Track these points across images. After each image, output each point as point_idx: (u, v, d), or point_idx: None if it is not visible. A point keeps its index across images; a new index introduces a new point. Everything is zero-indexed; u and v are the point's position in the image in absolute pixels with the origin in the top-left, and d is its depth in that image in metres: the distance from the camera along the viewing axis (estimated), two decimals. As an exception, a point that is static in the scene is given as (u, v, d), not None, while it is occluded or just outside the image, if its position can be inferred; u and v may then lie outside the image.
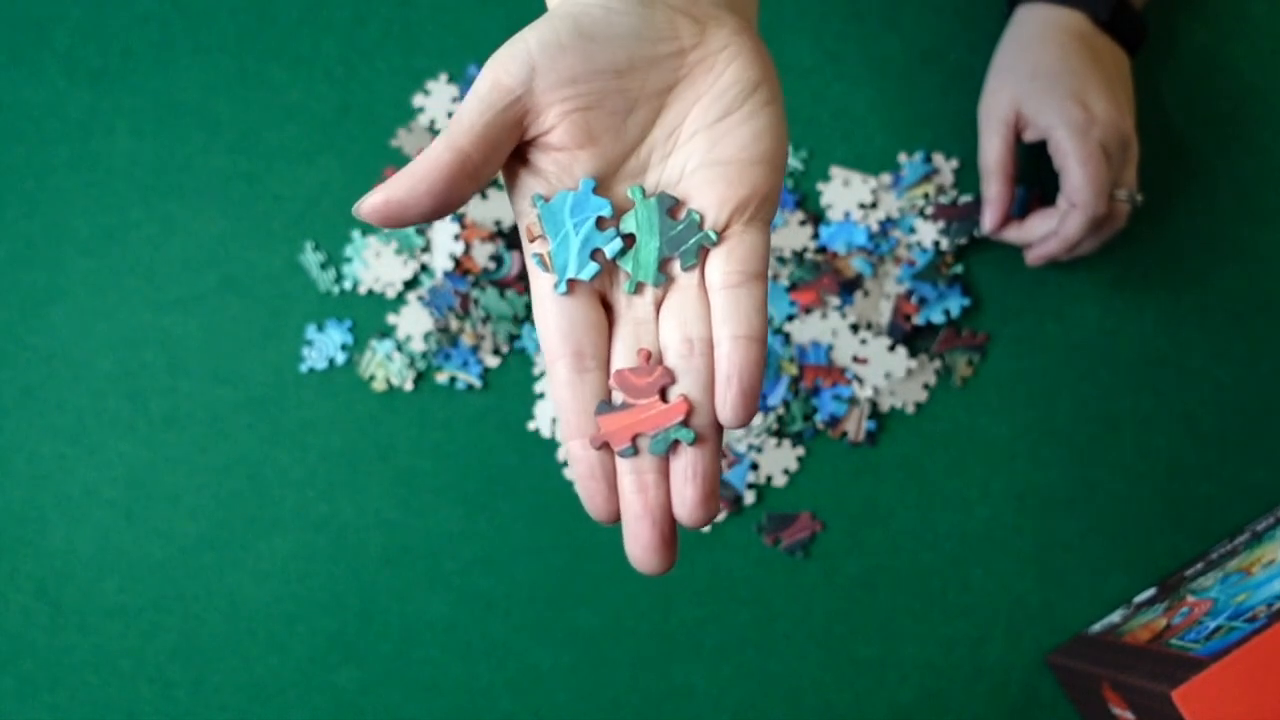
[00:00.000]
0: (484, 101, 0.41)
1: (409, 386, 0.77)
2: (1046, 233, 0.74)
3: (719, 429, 0.42)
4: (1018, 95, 0.73)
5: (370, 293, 0.78)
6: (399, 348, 0.78)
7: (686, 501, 0.41)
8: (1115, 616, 0.76)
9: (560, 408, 0.42)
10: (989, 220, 0.75)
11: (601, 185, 0.42)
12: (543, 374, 0.77)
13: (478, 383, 0.77)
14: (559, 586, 0.77)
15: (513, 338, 0.78)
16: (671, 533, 0.42)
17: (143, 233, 0.79)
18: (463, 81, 0.80)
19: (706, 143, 0.43)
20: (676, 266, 0.42)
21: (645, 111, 0.43)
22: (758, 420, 0.77)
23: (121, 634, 0.76)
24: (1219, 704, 0.60)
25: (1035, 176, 0.78)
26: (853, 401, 0.77)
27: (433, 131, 0.79)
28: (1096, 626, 0.76)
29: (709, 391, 0.42)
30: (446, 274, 0.78)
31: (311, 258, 0.78)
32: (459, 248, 0.78)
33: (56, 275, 0.78)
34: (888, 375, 0.77)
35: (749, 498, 0.77)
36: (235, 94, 0.80)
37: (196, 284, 0.78)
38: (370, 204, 0.41)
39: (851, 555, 0.77)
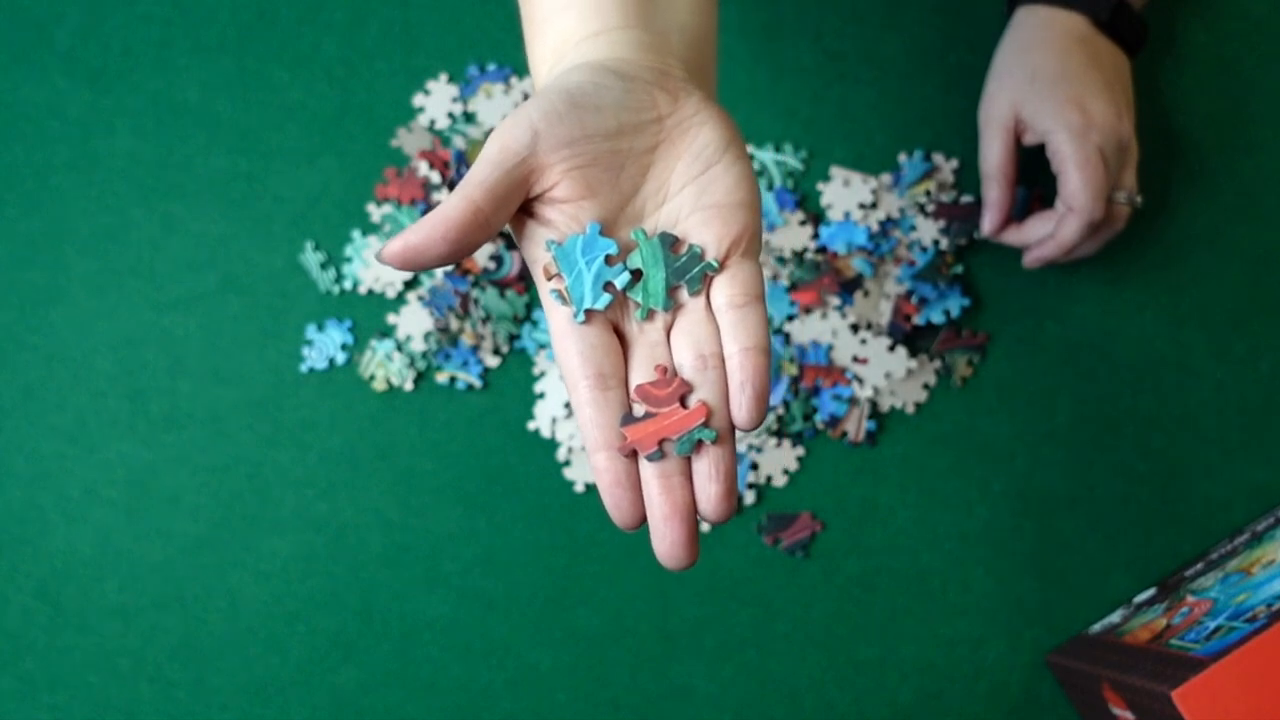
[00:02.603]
0: (493, 163, 0.46)
1: (409, 386, 0.77)
2: (1044, 235, 0.74)
3: (734, 432, 0.46)
4: (1017, 99, 0.73)
5: (370, 293, 0.78)
6: (399, 348, 0.78)
7: (712, 498, 0.46)
8: (1115, 617, 0.76)
9: (585, 425, 0.46)
10: (988, 224, 0.75)
11: (605, 230, 0.47)
12: (543, 374, 0.77)
13: (478, 383, 0.77)
14: (559, 586, 0.77)
15: (513, 338, 0.78)
16: (696, 529, 0.46)
17: (143, 232, 0.79)
18: (462, 81, 0.80)
19: (695, 191, 0.48)
20: (684, 293, 0.47)
21: (635, 169, 0.48)
22: (758, 420, 0.77)
23: (121, 634, 0.76)
24: (1219, 704, 0.60)
25: (1036, 177, 0.78)
26: (853, 401, 0.77)
27: (433, 131, 0.79)
28: (1096, 627, 0.76)
29: (724, 398, 0.46)
30: (446, 274, 0.78)
31: (311, 257, 0.78)
32: (459, 248, 0.78)
33: (57, 275, 0.78)
34: (888, 375, 0.77)
35: (749, 498, 0.77)
36: (235, 94, 0.80)
37: (197, 284, 0.78)
38: (391, 250, 0.45)
39: (851, 555, 0.77)
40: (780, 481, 0.77)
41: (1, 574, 0.76)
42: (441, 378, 0.77)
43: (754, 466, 0.77)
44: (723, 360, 0.47)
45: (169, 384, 0.77)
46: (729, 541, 0.77)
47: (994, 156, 0.74)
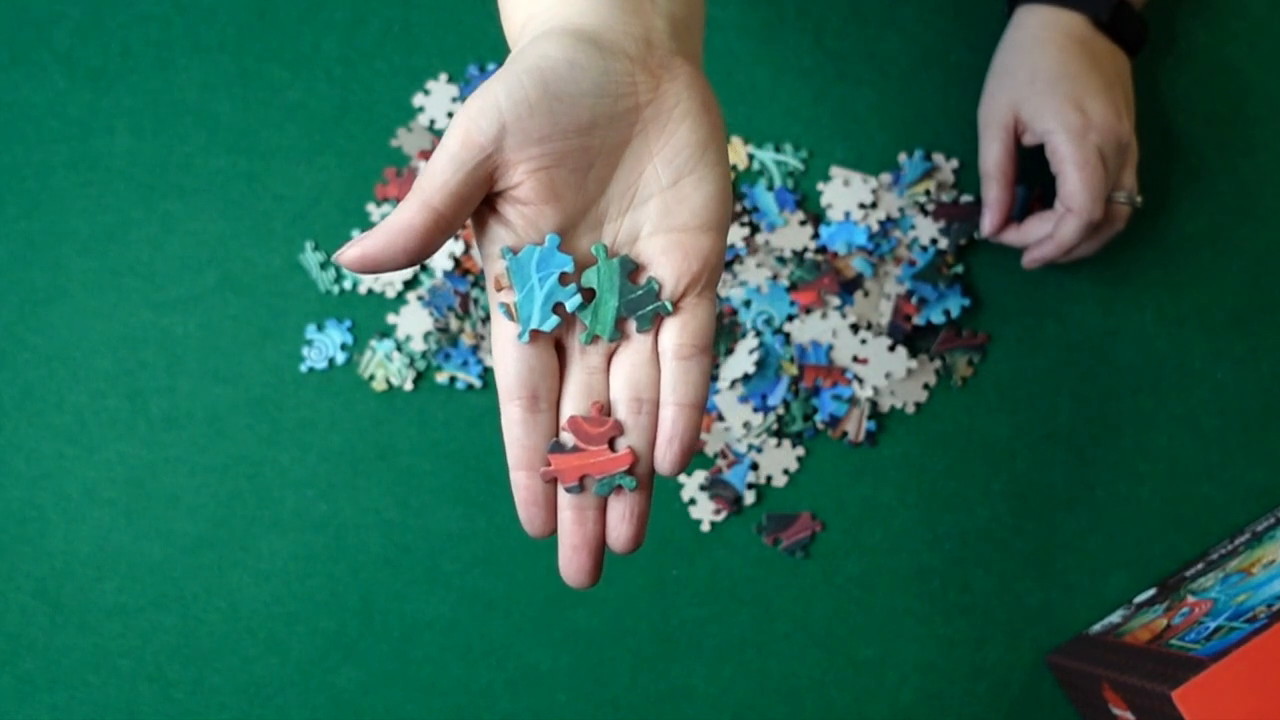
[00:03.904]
0: (456, 160, 0.43)
1: (409, 386, 0.77)
2: (1043, 235, 0.74)
3: (652, 477, 0.47)
4: (1016, 99, 0.73)
5: (370, 292, 0.78)
6: (399, 347, 0.78)
7: (622, 537, 0.47)
8: (1115, 617, 0.76)
9: (511, 442, 0.46)
10: (988, 224, 0.75)
11: (564, 239, 0.46)
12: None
13: (478, 383, 0.77)
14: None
15: (513, 338, 0.78)
16: (601, 557, 0.48)
17: (142, 232, 0.79)
18: (463, 81, 0.80)
19: (661, 207, 0.46)
20: (632, 327, 0.47)
21: (602, 168, 0.46)
22: (758, 420, 0.77)
23: (121, 634, 0.76)
24: (1219, 704, 0.60)
25: (1037, 176, 0.78)
26: (853, 401, 0.77)
27: (433, 131, 0.79)
28: (1097, 627, 0.76)
29: (651, 446, 0.47)
30: (446, 274, 0.78)
31: (311, 257, 0.78)
32: (459, 247, 0.78)
33: (56, 275, 0.78)
34: (888, 375, 0.77)
35: (749, 498, 0.77)
36: (235, 93, 0.80)
37: (196, 283, 0.78)
38: (348, 256, 0.44)
39: (851, 555, 0.77)
40: (780, 481, 0.77)
41: (1, 574, 0.76)
42: (441, 378, 0.77)
43: (754, 466, 0.77)
44: (657, 408, 0.47)
45: (168, 384, 0.77)
46: (729, 541, 0.77)
47: (993, 156, 0.74)
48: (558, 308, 0.46)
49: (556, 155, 0.44)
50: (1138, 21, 0.75)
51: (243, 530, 0.77)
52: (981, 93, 0.76)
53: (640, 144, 0.46)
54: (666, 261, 0.46)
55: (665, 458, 0.46)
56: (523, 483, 0.46)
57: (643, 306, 0.46)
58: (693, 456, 0.46)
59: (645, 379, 0.47)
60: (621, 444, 0.46)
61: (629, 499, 0.46)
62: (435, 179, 0.44)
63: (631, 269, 0.46)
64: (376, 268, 0.44)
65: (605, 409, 0.47)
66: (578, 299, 0.46)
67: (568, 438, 0.46)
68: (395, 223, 0.44)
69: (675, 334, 0.46)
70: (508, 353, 0.46)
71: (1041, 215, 0.74)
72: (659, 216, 0.46)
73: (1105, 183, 0.71)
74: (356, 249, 0.44)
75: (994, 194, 0.74)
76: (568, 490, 0.46)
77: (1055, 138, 0.71)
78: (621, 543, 0.47)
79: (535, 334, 0.46)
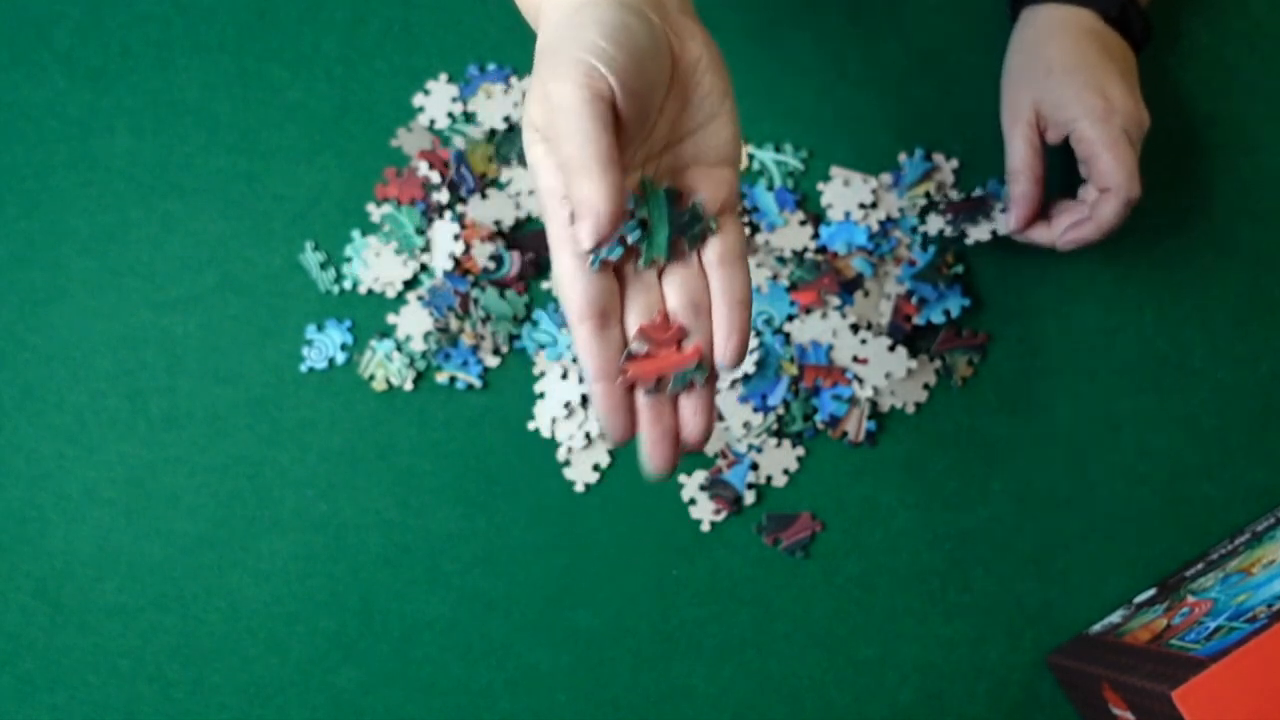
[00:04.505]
0: (602, 122, 0.47)
1: (409, 386, 0.77)
2: (1078, 219, 0.73)
3: (716, 374, 0.53)
4: (1035, 95, 0.72)
5: (370, 292, 0.78)
6: (399, 347, 0.78)
7: (696, 430, 0.53)
8: (1115, 617, 0.76)
9: (588, 358, 0.51)
10: (1014, 220, 0.74)
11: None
12: (543, 374, 0.77)
13: (478, 383, 0.77)
14: (559, 586, 0.77)
15: (513, 338, 0.78)
16: (679, 450, 0.54)
17: (142, 232, 0.79)
18: (462, 81, 0.80)
19: (693, 146, 0.53)
20: (684, 245, 0.53)
21: (655, 115, 0.52)
22: (758, 420, 0.77)
23: (121, 634, 0.76)
24: (1219, 704, 0.60)
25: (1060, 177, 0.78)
26: (853, 401, 0.77)
27: (433, 131, 0.79)
28: (1097, 627, 0.76)
29: (710, 344, 0.53)
30: (446, 274, 0.78)
31: (311, 257, 0.78)
32: (459, 248, 0.78)
33: (56, 275, 0.78)
34: (888, 375, 0.77)
35: (749, 498, 0.77)
36: (235, 93, 0.80)
37: (196, 283, 0.78)
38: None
39: (851, 555, 0.77)
40: (780, 481, 0.77)
41: (1, 574, 0.76)
42: (441, 378, 0.77)
43: (754, 466, 0.77)
44: (709, 311, 0.53)
45: (168, 384, 0.77)
46: (729, 541, 0.77)
47: (1019, 153, 0.74)
48: (621, 239, 0.51)
49: (635, 110, 0.49)
50: (1144, 18, 0.75)
51: (243, 530, 0.77)
52: (1000, 96, 0.76)
53: (676, 95, 0.52)
54: (703, 190, 0.53)
55: (726, 350, 0.52)
56: (603, 392, 0.51)
57: (692, 227, 0.52)
58: (746, 351, 0.53)
59: (697, 287, 0.53)
60: (688, 343, 0.52)
61: (698, 394, 0.52)
62: (598, 150, 0.47)
63: (676, 195, 0.52)
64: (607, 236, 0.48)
65: (668, 317, 0.53)
66: (638, 231, 0.52)
67: (638, 346, 0.52)
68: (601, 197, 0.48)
69: (716, 245, 0.53)
70: (576, 279, 0.50)
71: (1068, 208, 0.74)
72: (692, 154, 0.53)
73: (1136, 161, 0.71)
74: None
75: (1020, 189, 0.74)
76: (646, 393, 0.52)
77: (1080, 124, 0.71)
78: (696, 434, 0.53)
79: (605, 262, 0.51)
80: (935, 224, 0.78)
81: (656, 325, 0.52)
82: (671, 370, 0.52)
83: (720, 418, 0.77)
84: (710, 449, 0.77)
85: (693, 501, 0.77)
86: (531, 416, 0.77)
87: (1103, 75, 0.71)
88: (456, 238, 0.78)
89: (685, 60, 0.51)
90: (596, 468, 0.77)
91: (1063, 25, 0.73)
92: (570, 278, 0.50)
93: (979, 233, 0.77)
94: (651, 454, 0.53)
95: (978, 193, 0.79)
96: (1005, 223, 0.75)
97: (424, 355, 0.78)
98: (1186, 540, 0.78)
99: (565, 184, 0.48)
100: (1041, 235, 0.75)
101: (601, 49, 0.48)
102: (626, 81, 0.48)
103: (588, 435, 0.77)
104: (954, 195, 0.79)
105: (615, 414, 0.52)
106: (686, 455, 0.74)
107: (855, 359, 0.77)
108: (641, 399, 0.52)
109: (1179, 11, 0.82)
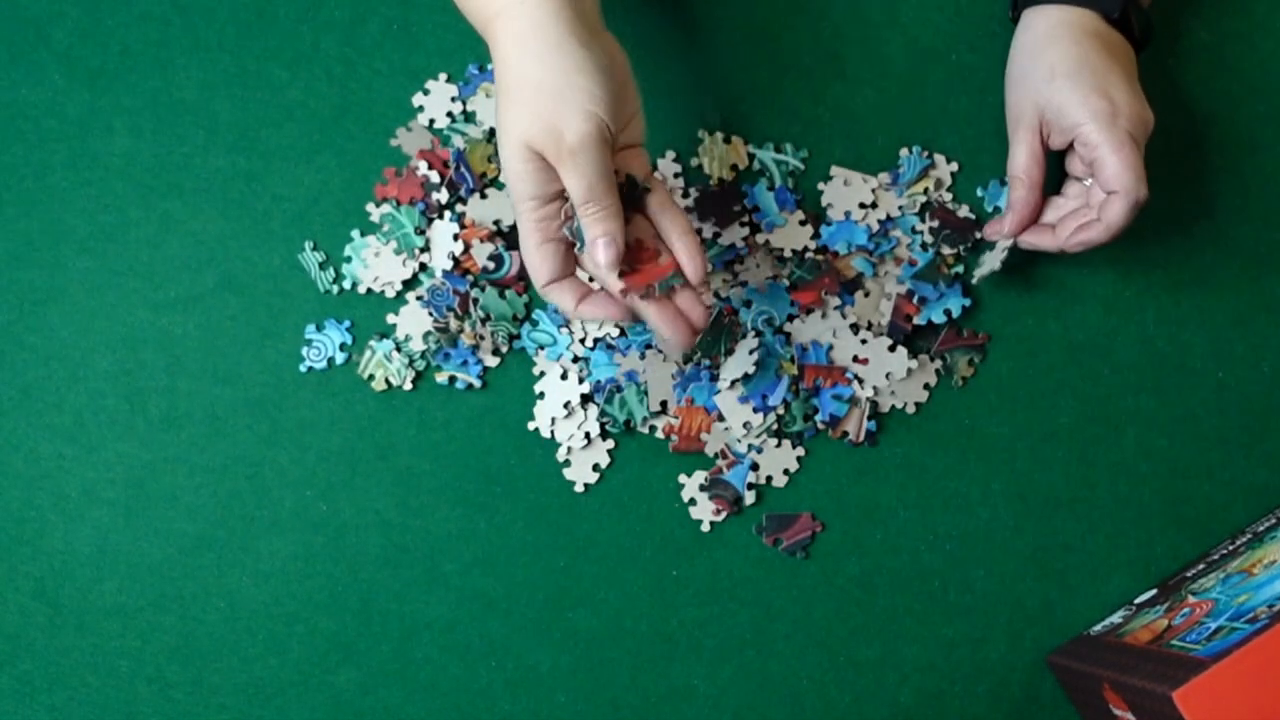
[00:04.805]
0: (605, 171, 0.63)
1: (408, 386, 0.77)
2: (1085, 222, 0.73)
3: (691, 285, 0.68)
4: (1039, 100, 0.72)
5: (369, 292, 0.78)
6: (398, 347, 0.77)
7: (697, 313, 0.68)
8: (1116, 617, 0.75)
9: (601, 276, 0.66)
10: (1009, 224, 0.74)
11: None
12: (542, 374, 0.77)
13: (477, 383, 0.77)
14: (559, 586, 0.77)
15: (512, 338, 0.77)
16: (690, 329, 0.68)
17: (141, 232, 0.78)
18: (462, 81, 0.80)
19: (624, 137, 0.66)
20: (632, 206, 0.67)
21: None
22: (758, 420, 0.76)
23: (120, 634, 0.76)
24: (1220, 705, 0.60)
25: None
26: (853, 401, 0.77)
27: (432, 131, 0.79)
28: (1097, 627, 0.76)
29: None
30: (446, 274, 0.78)
31: (310, 257, 0.78)
32: (458, 247, 0.78)
33: (55, 274, 0.78)
34: (888, 375, 0.77)
35: (749, 498, 0.77)
36: (234, 93, 0.80)
37: (195, 283, 0.78)
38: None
39: (851, 556, 0.77)
40: (780, 482, 0.77)
41: (0, 574, 0.76)
42: (441, 378, 0.77)
43: (754, 467, 0.77)
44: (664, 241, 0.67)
45: (168, 384, 0.77)
46: (729, 542, 0.77)
47: (1019, 159, 0.74)
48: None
49: (617, 134, 0.63)
50: (1145, 19, 0.75)
51: (242, 530, 0.76)
52: (1004, 101, 0.75)
53: (624, 93, 0.64)
54: (633, 167, 0.67)
55: (692, 270, 0.66)
56: (618, 286, 0.66)
57: (634, 193, 0.66)
58: (707, 268, 0.67)
59: (650, 231, 0.67)
60: (662, 260, 0.67)
61: (685, 292, 0.68)
62: (610, 202, 0.63)
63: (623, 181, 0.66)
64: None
65: (641, 244, 0.67)
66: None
67: (626, 267, 0.66)
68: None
69: (654, 201, 0.67)
70: (546, 260, 0.66)
71: (1074, 212, 0.74)
72: (622, 142, 0.66)
73: (1142, 162, 0.71)
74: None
75: (1017, 194, 0.74)
76: (642, 297, 0.66)
77: (1086, 128, 0.70)
78: (697, 316, 0.68)
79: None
80: (927, 229, 0.78)
81: (636, 249, 0.67)
82: (657, 279, 0.66)
83: (720, 418, 0.77)
84: (710, 449, 0.77)
85: (693, 501, 0.77)
86: (531, 416, 0.77)
87: (1106, 77, 0.71)
88: (456, 237, 0.78)
89: (620, 66, 0.64)
90: (596, 468, 0.77)
91: (1064, 28, 0.73)
92: (539, 259, 0.66)
93: (991, 262, 0.77)
94: (670, 332, 0.67)
95: (965, 212, 0.79)
96: (1002, 228, 0.75)
97: (423, 355, 0.77)
98: (1187, 540, 0.78)
99: (581, 203, 0.62)
100: (1046, 240, 0.74)
101: (599, 97, 0.61)
102: (617, 118, 0.62)
103: (587, 435, 0.77)
104: (948, 198, 0.79)
105: (625, 314, 0.67)
106: (686, 455, 0.75)
107: (855, 359, 0.77)
108: (640, 303, 0.67)
109: (1179, 11, 0.82)
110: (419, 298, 0.78)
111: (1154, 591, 0.76)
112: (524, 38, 0.62)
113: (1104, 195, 0.71)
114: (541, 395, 0.77)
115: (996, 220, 0.76)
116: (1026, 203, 0.74)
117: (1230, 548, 0.75)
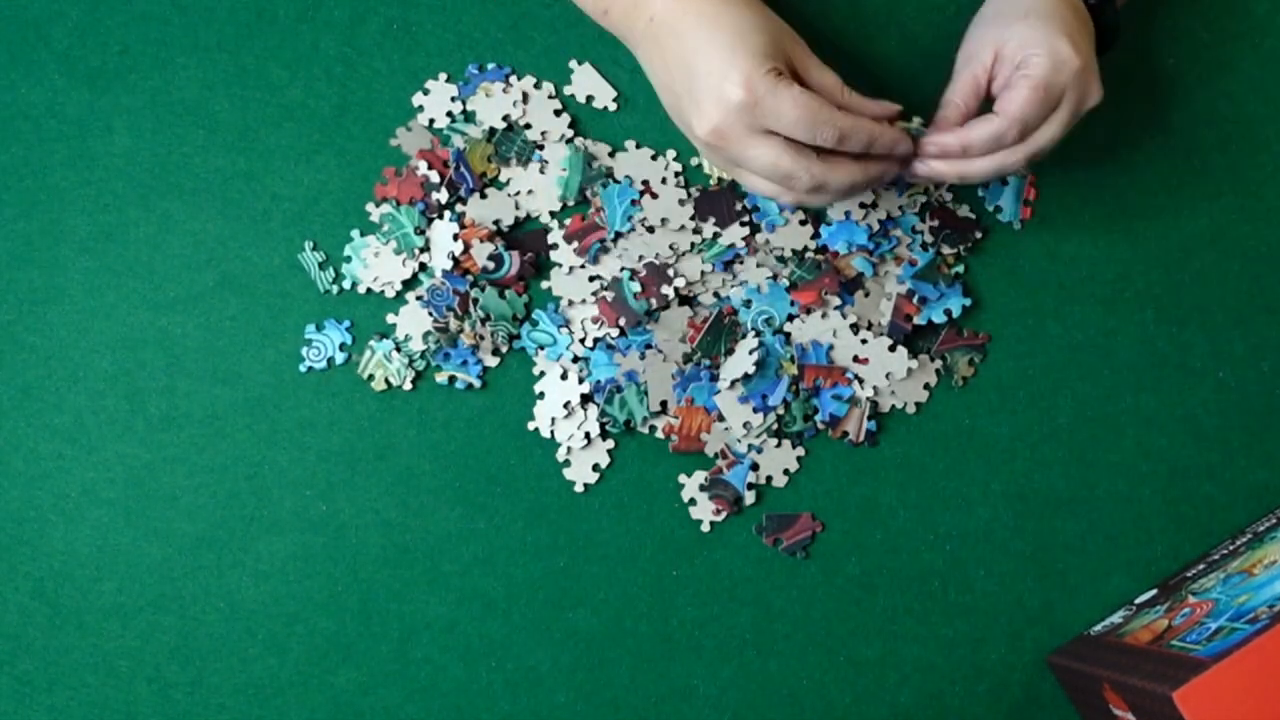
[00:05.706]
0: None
1: (408, 386, 0.77)
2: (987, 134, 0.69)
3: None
4: (1003, 36, 0.69)
5: (369, 292, 0.78)
6: (398, 347, 0.77)
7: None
8: (1116, 617, 0.75)
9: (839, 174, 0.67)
10: (927, 142, 0.70)
11: None
12: (542, 374, 0.77)
13: (477, 383, 0.77)
14: (559, 586, 0.77)
15: (512, 338, 0.77)
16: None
17: (141, 232, 0.78)
18: (462, 80, 0.80)
19: None
20: None
21: None
22: (758, 420, 0.76)
23: (120, 634, 0.76)
24: (1220, 705, 0.60)
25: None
26: (853, 401, 0.77)
27: (432, 131, 0.79)
28: (1097, 627, 0.76)
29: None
30: (446, 274, 0.78)
31: (310, 257, 0.78)
32: (458, 247, 0.78)
33: (55, 274, 0.78)
34: (888, 375, 0.77)
35: (749, 498, 0.77)
36: (234, 93, 0.80)
37: (195, 283, 0.78)
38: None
39: (851, 556, 0.77)
40: (780, 481, 0.77)
41: (0, 574, 0.76)
42: (441, 378, 0.77)
43: (754, 467, 0.77)
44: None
45: (167, 384, 0.77)
46: (729, 541, 0.77)
47: (959, 86, 0.71)
48: None
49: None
50: (1115, 19, 0.74)
51: (242, 530, 0.76)
52: (963, 36, 0.73)
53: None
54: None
55: (881, 110, 0.70)
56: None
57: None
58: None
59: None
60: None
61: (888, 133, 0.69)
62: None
63: None
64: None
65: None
66: None
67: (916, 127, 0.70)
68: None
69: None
70: (849, 171, 0.68)
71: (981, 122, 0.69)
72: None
73: (1040, 116, 0.68)
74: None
75: (944, 113, 0.71)
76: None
77: (1035, 59, 0.67)
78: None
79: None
80: (927, 228, 0.78)
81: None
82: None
83: (720, 418, 0.77)
84: (710, 449, 0.77)
85: (693, 501, 0.77)
86: (531, 416, 0.77)
87: (1078, 31, 0.69)
88: (456, 237, 0.78)
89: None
90: (596, 468, 0.77)
91: None
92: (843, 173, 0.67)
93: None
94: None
95: (965, 211, 0.79)
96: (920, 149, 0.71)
97: (423, 355, 0.77)
98: (1187, 540, 0.78)
99: (842, 89, 0.69)
100: (950, 140, 0.70)
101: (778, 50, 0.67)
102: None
103: (587, 435, 0.77)
104: (948, 198, 0.79)
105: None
106: (686, 455, 0.75)
107: (855, 359, 0.77)
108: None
109: (1178, 10, 0.82)
110: (419, 298, 0.78)
111: (1154, 591, 0.76)
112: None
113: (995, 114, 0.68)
114: (541, 395, 0.77)
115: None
116: (951, 122, 0.70)
117: (1230, 548, 0.75)
